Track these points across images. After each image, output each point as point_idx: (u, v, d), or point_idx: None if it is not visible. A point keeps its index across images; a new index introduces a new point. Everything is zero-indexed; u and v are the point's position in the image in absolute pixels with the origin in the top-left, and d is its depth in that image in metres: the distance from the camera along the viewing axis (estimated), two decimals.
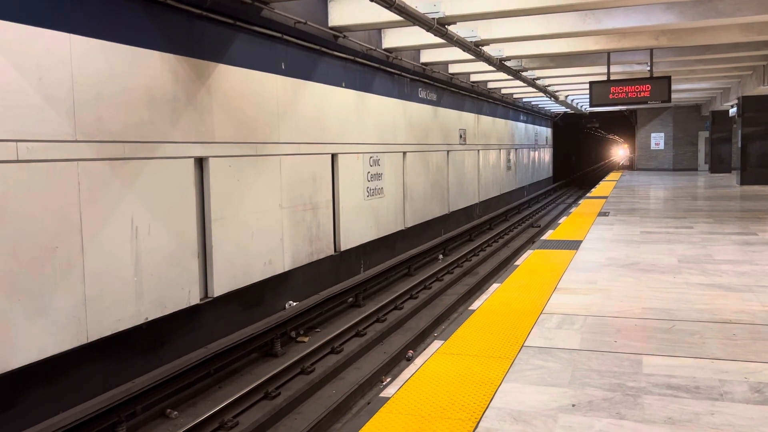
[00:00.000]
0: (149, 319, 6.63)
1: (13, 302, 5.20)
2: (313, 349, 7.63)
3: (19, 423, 5.22)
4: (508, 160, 24.74)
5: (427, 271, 12.72)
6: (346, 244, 11.06)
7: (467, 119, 18.96)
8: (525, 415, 3.44)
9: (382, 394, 3.79)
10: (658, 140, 31.56)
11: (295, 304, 9.06)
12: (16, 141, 5.23)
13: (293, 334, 8.44)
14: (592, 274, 7.06)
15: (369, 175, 12.06)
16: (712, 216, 12.22)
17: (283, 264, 9.07)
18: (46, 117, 5.50)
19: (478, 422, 3.37)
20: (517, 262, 7.89)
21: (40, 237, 5.43)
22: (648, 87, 13.38)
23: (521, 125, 27.33)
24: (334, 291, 9.63)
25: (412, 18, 8.24)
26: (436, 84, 15.75)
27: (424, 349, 4.64)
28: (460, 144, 18.18)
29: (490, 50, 12.26)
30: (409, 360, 7.85)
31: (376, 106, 12.43)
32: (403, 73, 13.54)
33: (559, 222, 12.06)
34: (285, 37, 9.01)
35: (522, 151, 27.43)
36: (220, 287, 7.71)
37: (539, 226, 20.42)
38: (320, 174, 10.19)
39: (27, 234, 5.33)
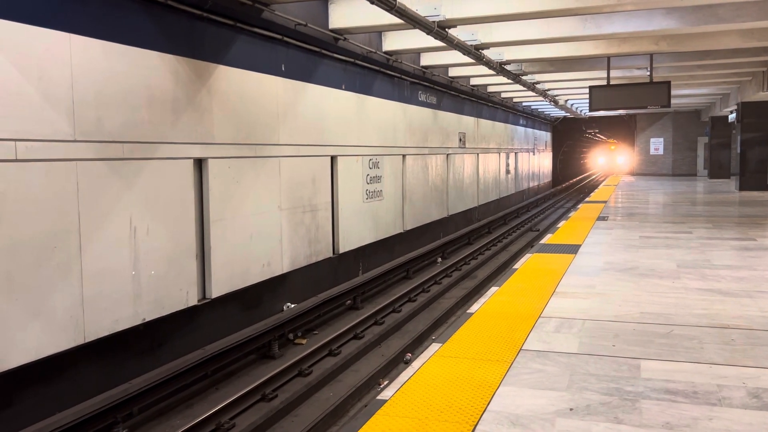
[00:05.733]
0: (147, 319, 6.62)
1: (10, 302, 5.19)
2: (311, 352, 7.61)
3: (15, 423, 5.21)
4: (508, 164, 24.75)
5: (425, 274, 12.71)
6: (344, 247, 11.06)
7: (467, 123, 18.97)
8: (522, 419, 3.43)
9: (379, 397, 3.78)
10: (657, 145, 31.60)
11: (293, 306, 9.05)
12: (15, 140, 5.22)
13: (291, 336, 8.43)
14: (590, 278, 7.05)
15: (368, 177, 12.06)
16: (711, 221, 12.22)
17: (281, 266, 9.06)
18: (46, 116, 5.50)
19: (476, 425, 3.36)
20: (515, 266, 7.89)
21: (38, 237, 5.42)
22: (648, 92, 13.38)
23: (521, 129, 27.35)
24: (333, 293, 9.61)
25: (412, 21, 8.25)
26: (436, 87, 15.76)
27: (422, 352, 4.63)
28: (459, 147, 18.19)
29: (490, 54, 12.27)
30: (407, 363, 7.84)
31: (376, 108, 12.43)
32: (403, 76, 13.54)
33: (558, 226, 12.06)
34: (285, 38, 9.01)
35: (521, 155, 27.45)
36: (218, 288, 7.70)
37: (538, 230, 20.42)
38: (319, 176, 10.18)
39: (25, 233, 5.31)
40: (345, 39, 10.39)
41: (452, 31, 9.57)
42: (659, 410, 3.51)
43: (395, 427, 3.33)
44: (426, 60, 14.07)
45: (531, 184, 30.00)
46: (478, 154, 20.22)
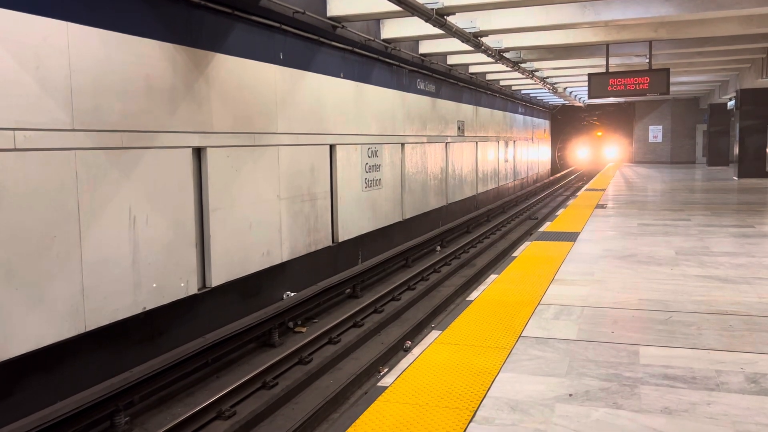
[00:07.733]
0: (147, 308, 6.64)
1: (10, 291, 5.20)
2: (311, 340, 7.64)
3: (17, 412, 5.22)
4: (506, 152, 24.72)
5: (425, 262, 12.73)
6: (344, 235, 11.07)
7: (465, 111, 18.93)
8: (522, 405, 3.45)
9: (379, 384, 3.80)
10: (656, 133, 31.57)
11: (292, 294, 9.07)
12: (14, 129, 5.21)
13: (291, 324, 8.45)
14: (589, 265, 7.07)
15: (367, 166, 12.04)
16: (710, 209, 12.24)
17: (281, 254, 9.07)
18: (44, 105, 5.48)
19: (476, 411, 3.38)
20: (514, 254, 7.90)
21: (37, 226, 5.42)
22: (647, 79, 13.37)
23: (519, 117, 27.30)
24: (332, 282, 9.63)
25: (411, 8, 8.21)
26: (434, 75, 15.71)
27: (422, 340, 4.65)
28: (458, 136, 18.16)
29: (488, 41, 12.22)
30: (407, 350, 7.87)
31: (375, 97, 12.40)
32: (401, 64, 13.50)
33: (557, 214, 12.07)
34: (283, 27, 8.97)
35: (520, 143, 27.41)
36: (217, 277, 7.71)
37: (537, 218, 20.43)
38: (318, 165, 10.17)
39: (25, 223, 5.31)
40: (343, 27, 10.34)
41: (451, 19, 9.53)
42: (658, 395, 3.53)
43: (396, 414, 3.35)
44: (424, 48, 14.01)
45: (530, 173, 29.98)
46: (476, 142, 20.18)
